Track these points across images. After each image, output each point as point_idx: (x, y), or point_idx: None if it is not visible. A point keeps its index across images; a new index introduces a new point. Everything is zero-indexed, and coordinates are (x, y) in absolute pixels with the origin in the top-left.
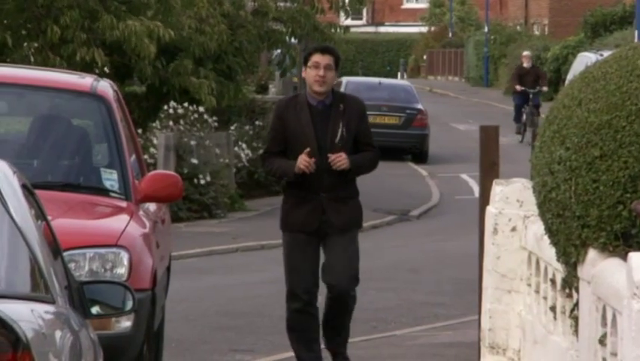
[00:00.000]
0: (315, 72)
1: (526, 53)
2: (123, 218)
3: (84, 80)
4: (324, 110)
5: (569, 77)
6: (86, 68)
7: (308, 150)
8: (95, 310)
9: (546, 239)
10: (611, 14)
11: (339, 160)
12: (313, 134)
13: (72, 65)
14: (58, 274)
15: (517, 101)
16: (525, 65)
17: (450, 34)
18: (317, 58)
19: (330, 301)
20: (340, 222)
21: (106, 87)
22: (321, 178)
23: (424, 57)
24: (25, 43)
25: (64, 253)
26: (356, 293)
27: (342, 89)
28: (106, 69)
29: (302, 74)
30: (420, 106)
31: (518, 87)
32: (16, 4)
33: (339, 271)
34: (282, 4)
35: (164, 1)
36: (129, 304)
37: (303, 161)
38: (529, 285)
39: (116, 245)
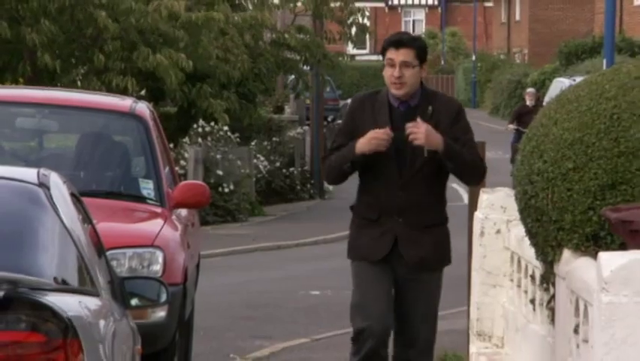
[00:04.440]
0: (390, 71)
1: (530, 90)
2: (158, 222)
3: (124, 102)
4: (408, 113)
5: (546, 99)
6: (126, 90)
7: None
8: (133, 302)
9: (526, 240)
10: (583, 45)
11: (416, 132)
12: (391, 143)
13: (111, 90)
14: (102, 270)
15: (512, 140)
16: (528, 102)
17: (442, 62)
18: (391, 54)
19: None
20: (414, 259)
21: (143, 108)
22: (395, 197)
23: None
24: (75, 70)
25: (107, 253)
26: None
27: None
28: (142, 92)
29: (383, 73)
30: None
31: (511, 126)
32: (67, 36)
33: (403, 336)
34: (296, 35)
35: (194, 34)
36: (163, 297)
37: (375, 133)
38: (511, 280)
39: (152, 245)
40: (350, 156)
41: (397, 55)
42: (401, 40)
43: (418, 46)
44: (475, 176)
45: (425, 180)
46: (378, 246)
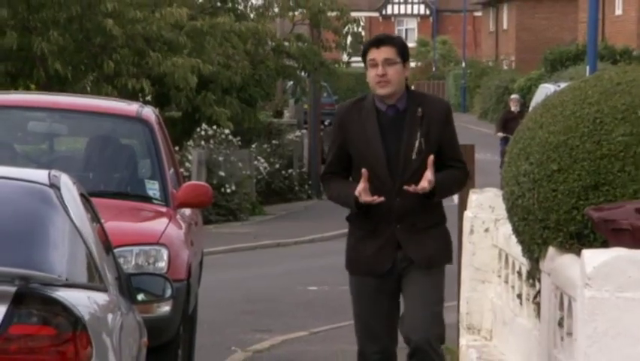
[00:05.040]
0: (373, 72)
1: (514, 96)
2: (163, 221)
3: (131, 107)
4: (397, 117)
5: (532, 104)
6: (133, 96)
7: (364, 172)
8: (140, 297)
9: (513, 238)
10: (567, 52)
11: (423, 188)
12: (382, 150)
13: (122, 94)
14: (110, 267)
15: (501, 146)
16: (512, 108)
17: (434, 69)
18: (372, 54)
19: (408, 359)
20: (421, 259)
21: (149, 112)
22: (392, 205)
23: (412, 87)
24: (85, 77)
25: (115, 250)
26: (442, 351)
27: None
28: (149, 98)
29: (367, 77)
30: None
31: (499, 134)
32: (77, 44)
33: (417, 324)
34: (294, 43)
35: (198, 42)
36: (168, 292)
37: (363, 195)
38: (499, 276)
39: (157, 243)
40: (353, 208)
41: (379, 53)
42: (381, 39)
43: (398, 43)
44: (461, 189)
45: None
46: (381, 259)
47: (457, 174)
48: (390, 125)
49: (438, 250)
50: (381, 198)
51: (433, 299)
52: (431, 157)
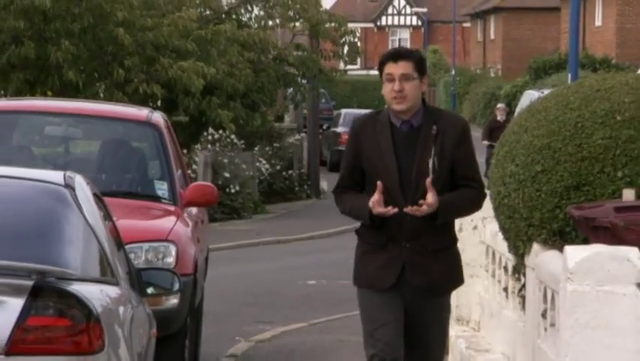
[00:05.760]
0: (389, 87)
1: (500, 105)
2: (171, 219)
3: (141, 112)
4: (411, 134)
5: (518, 109)
6: (144, 101)
7: (379, 183)
8: (149, 290)
9: (500, 235)
10: (550, 61)
11: (420, 211)
12: (395, 166)
13: (133, 100)
14: (121, 262)
15: (487, 153)
16: (499, 117)
17: None
18: (389, 68)
19: None
20: (424, 285)
21: (158, 117)
22: (402, 222)
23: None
24: (97, 84)
25: (126, 246)
26: None
27: (340, 120)
28: (158, 103)
29: (382, 90)
30: None
31: (485, 142)
32: (90, 53)
33: (414, 358)
34: (294, 52)
35: (204, 50)
36: (176, 286)
37: (376, 206)
38: (486, 271)
39: (166, 240)
40: (367, 221)
41: (396, 68)
42: (399, 53)
43: (416, 57)
44: (475, 210)
45: None
46: (385, 274)
47: (469, 194)
48: (404, 141)
49: (442, 277)
50: (395, 209)
51: (431, 334)
52: (428, 179)
